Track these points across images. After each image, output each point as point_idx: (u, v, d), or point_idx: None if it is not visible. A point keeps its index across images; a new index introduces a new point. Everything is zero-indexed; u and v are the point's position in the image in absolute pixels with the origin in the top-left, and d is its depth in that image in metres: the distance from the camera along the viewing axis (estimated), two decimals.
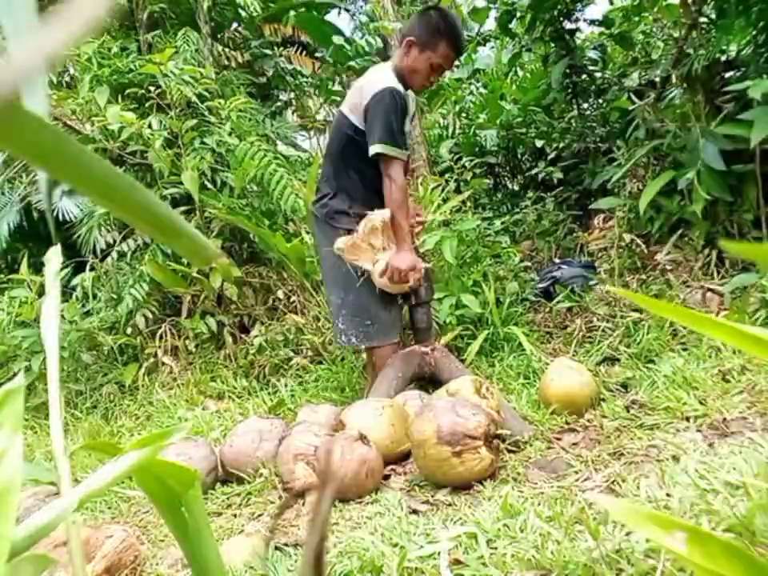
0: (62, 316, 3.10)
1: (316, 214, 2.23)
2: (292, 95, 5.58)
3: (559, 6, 3.72)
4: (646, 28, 4.04)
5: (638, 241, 2.75)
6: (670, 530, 0.55)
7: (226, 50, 4.84)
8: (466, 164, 3.36)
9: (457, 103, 5.60)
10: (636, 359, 2.17)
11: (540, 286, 3.11)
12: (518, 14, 4.02)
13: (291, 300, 3.16)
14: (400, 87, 2.01)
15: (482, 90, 5.96)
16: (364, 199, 2.11)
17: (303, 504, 1.62)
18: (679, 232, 2.74)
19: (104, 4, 0.18)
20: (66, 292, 3.32)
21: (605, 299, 2.64)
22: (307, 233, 3.06)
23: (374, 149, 1.96)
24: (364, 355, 2.60)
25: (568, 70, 3.91)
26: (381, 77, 2.05)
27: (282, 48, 5.60)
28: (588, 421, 1.80)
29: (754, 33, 2.53)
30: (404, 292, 2.14)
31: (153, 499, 0.54)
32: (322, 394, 2.52)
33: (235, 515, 1.65)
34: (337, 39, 4.88)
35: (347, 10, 6.21)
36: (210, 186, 3.23)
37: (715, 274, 2.54)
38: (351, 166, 2.11)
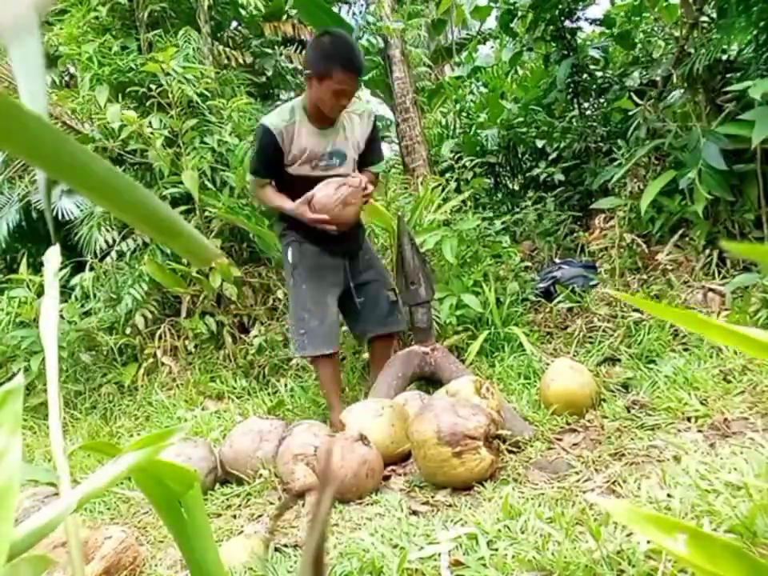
0: (61, 316, 3.09)
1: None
2: (292, 94, 5.57)
3: (560, 6, 3.72)
4: (646, 28, 4.04)
5: (639, 241, 2.75)
6: (671, 532, 0.54)
7: (227, 49, 4.83)
8: (467, 163, 3.35)
9: (457, 102, 5.60)
10: (637, 359, 2.16)
11: (540, 285, 3.11)
12: (519, 14, 4.02)
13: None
14: (274, 120, 2.09)
15: (482, 89, 5.96)
16: (280, 219, 2.26)
17: (303, 505, 1.61)
18: (680, 232, 2.73)
19: None
20: (65, 292, 3.32)
21: (605, 299, 2.64)
22: None
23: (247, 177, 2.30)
24: (365, 355, 2.60)
25: (569, 70, 3.91)
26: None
27: (282, 47, 5.59)
28: (589, 421, 1.80)
29: (755, 32, 2.53)
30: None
31: (152, 500, 0.54)
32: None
33: (235, 516, 1.64)
34: None
35: (347, 3, 6.18)
36: (210, 185, 3.22)
37: (716, 274, 2.53)
38: (280, 189, 2.24)
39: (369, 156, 2.25)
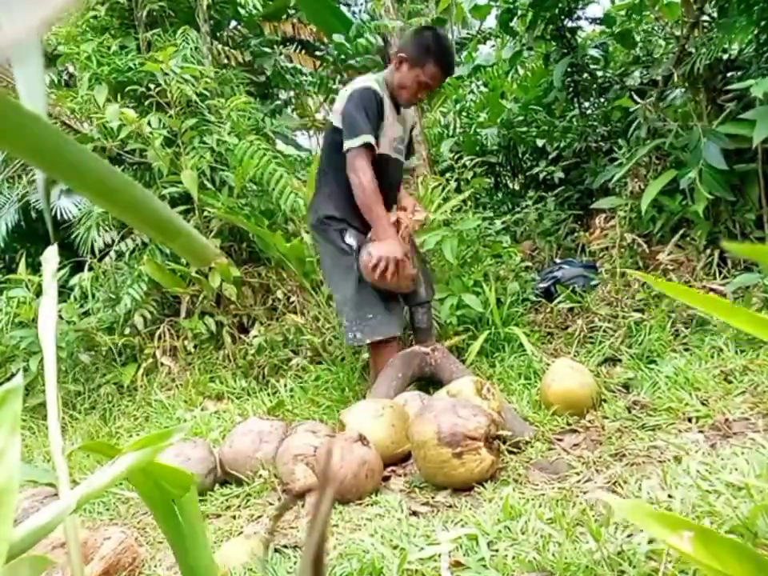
0: (60, 316, 3.09)
1: (311, 219, 2.30)
2: (292, 94, 5.57)
3: (560, 5, 3.72)
4: (647, 27, 4.04)
5: (640, 240, 2.74)
6: (676, 529, 0.54)
7: (226, 48, 4.83)
8: (467, 163, 3.34)
9: (457, 102, 5.59)
10: (637, 360, 2.16)
11: (541, 285, 3.10)
12: (519, 13, 4.01)
13: (291, 300, 3.15)
14: (377, 87, 2.09)
15: (482, 88, 5.96)
16: (348, 202, 2.14)
17: (303, 505, 1.61)
18: (681, 232, 2.73)
19: None
20: (64, 292, 3.31)
21: (606, 299, 2.63)
22: (306, 232, 3.04)
23: (345, 146, 2.04)
24: (365, 355, 2.59)
25: (569, 69, 3.90)
26: (359, 82, 2.15)
27: (281, 46, 5.59)
28: (589, 422, 1.80)
29: (755, 32, 2.52)
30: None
31: (148, 502, 0.53)
32: (322, 394, 2.51)
33: (234, 517, 1.64)
34: (337, 38, 4.86)
35: (348, 5, 6.19)
36: (209, 185, 3.22)
37: (717, 274, 2.53)
38: (336, 170, 2.15)
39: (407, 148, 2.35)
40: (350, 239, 2.17)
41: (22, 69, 0.35)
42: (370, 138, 2.02)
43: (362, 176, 2.01)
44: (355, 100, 2.05)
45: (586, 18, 4.01)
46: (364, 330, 2.14)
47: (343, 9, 5.98)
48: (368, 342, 2.18)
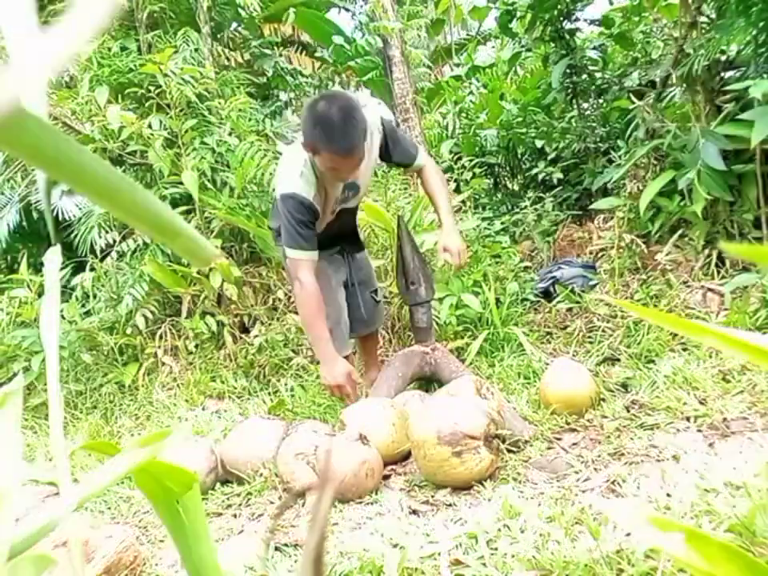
0: (62, 316, 3.09)
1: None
2: (292, 95, 5.58)
3: (559, 6, 3.72)
4: (645, 28, 4.04)
5: (638, 241, 2.75)
6: (668, 532, 0.55)
7: (226, 49, 4.84)
8: (466, 164, 3.35)
9: (457, 103, 5.60)
10: (636, 359, 2.16)
11: (540, 286, 3.11)
12: (518, 14, 4.02)
13: (291, 300, 3.15)
14: (303, 188, 1.91)
15: (482, 89, 5.96)
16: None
17: (303, 504, 1.62)
18: (679, 232, 2.73)
19: (105, 13, 0.18)
20: (66, 292, 3.32)
21: (605, 299, 2.64)
22: None
23: (286, 252, 1.97)
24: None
25: (568, 70, 3.91)
26: (285, 174, 1.98)
27: (281, 48, 5.60)
28: (588, 421, 1.80)
29: (754, 32, 2.52)
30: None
31: (151, 500, 0.54)
32: (322, 393, 2.51)
33: (235, 515, 1.65)
34: (337, 39, 4.87)
35: (347, 10, 6.20)
36: (209, 185, 3.22)
37: (715, 274, 2.54)
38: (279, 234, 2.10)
39: (397, 158, 2.13)
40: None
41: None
42: (312, 254, 1.95)
43: (304, 288, 1.92)
44: (288, 208, 1.93)
45: (585, 20, 4.01)
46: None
47: (343, 12, 6.00)
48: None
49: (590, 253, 3.27)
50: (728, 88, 2.49)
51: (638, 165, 2.83)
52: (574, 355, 2.39)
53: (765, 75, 2.38)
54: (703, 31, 2.71)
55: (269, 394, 2.68)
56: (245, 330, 3.17)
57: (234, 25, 5.08)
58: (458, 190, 3.45)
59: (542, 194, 4.01)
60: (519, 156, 4.99)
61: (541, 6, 3.64)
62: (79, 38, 0.18)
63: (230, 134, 3.26)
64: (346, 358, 2.14)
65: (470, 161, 3.39)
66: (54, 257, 0.58)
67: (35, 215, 4.48)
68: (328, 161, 1.83)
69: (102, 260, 3.33)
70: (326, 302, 2.03)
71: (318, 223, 2.03)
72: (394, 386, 2.05)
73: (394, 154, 2.11)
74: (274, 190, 2.18)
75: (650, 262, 2.75)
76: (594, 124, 4.12)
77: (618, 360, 2.25)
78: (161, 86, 3.11)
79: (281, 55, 5.23)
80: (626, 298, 2.53)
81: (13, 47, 0.29)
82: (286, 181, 1.96)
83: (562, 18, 3.84)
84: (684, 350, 2.14)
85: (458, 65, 7.67)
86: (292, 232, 1.93)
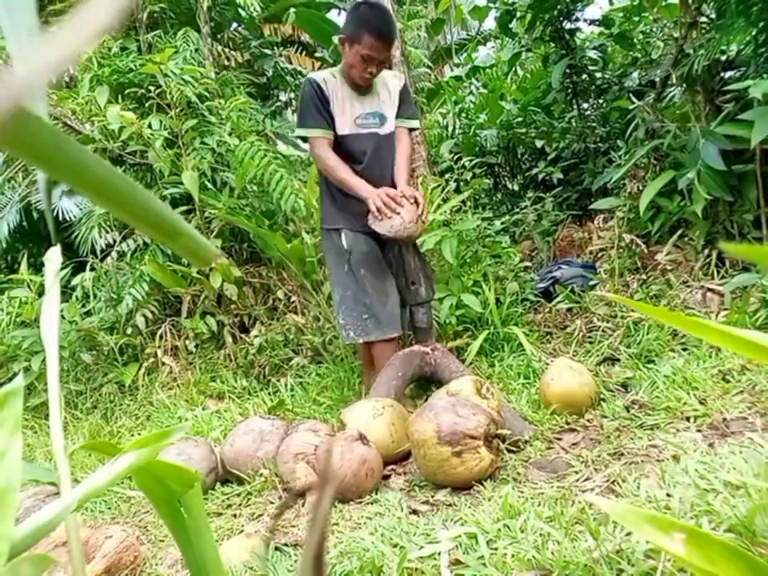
0: (62, 316, 3.10)
1: (320, 218, 2.38)
2: (292, 95, 5.58)
3: (559, 6, 3.72)
4: (645, 28, 4.04)
5: (638, 241, 2.75)
6: (669, 532, 0.55)
7: (226, 49, 4.85)
8: (466, 164, 3.35)
9: (457, 103, 5.60)
10: (636, 359, 2.16)
11: (540, 286, 3.11)
12: (518, 14, 4.02)
13: (291, 300, 3.16)
14: (321, 76, 2.16)
15: (482, 89, 5.96)
16: (342, 203, 2.20)
17: (303, 504, 1.62)
18: (679, 232, 2.73)
19: (109, 14, 0.18)
20: (66, 292, 3.32)
21: (605, 299, 2.64)
22: (307, 233, 3.05)
23: (296, 133, 2.20)
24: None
25: (568, 70, 3.91)
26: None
27: (281, 48, 5.60)
28: (588, 421, 1.80)
29: (754, 32, 2.53)
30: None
31: (152, 500, 0.54)
32: (323, 393, 2.52)
33: (235, 515, 1.65)
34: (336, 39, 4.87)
35: (346, 10, 6.20)
36: (210, 185, 3.23)
37: (715, 274, 2.54)
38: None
39: (401, 110, 2.31)
40: (344, 240, 2.19)
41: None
42: (314, 131, 2.13)
43: (324, 161, 2.12)
44: (300, 93, 2.22)
45: (585, 20, 4.02)
46: (358, 329, 2.17)
47: (343, 12, 5.99)
48: (361, 341, 2.20)
49: (590, 253, 3.27)
50: (728, 88, 2.49)
51: (638, 165, 2.83)
52: (573, 355, 2.39)
53: (765, 75, 2.38)
54: (703, 31, 2.71)
55: (269, 394, 2.68)
56: (245, 330, 3.17)
57: (234, 25, 5.09)
58: (458, 190, 3.44)
59: (542, 194, 4.01)
60: (519, 156, 4.99)
61: (541, 6, 3.65)
62: (82, 40, 0.18)
63: (230, 134, 3.26)
64: (394, 339, 2.17)
65: (470, 161, 3.39)
66: (54, 257, 0.58)
67: (35, 215, 4.48)
68: (366, 46, 2.05)
69: (102, 260, 3.33)
70: (376, 287, 2.16)
71: (339, 121, 2.15)
72: (393, 385, 2.05)
73: (401, 105, 2.30)
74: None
75: (650, 262, 2.75)
76: (593, 124, 4.12)
77: (618, 360, 2.25)
78: (161, 86, 3.11)
79: (281, 55, 5.23)
80: (626, 297, 2.53)
81: (14, 47, 0.29)
82: (312, 74, 2.22)
83: (561, 18, 3.85)
84: (684, 349, 2.14)
85: (458, 65, 7.66)
86: (300, 112, 2.19)
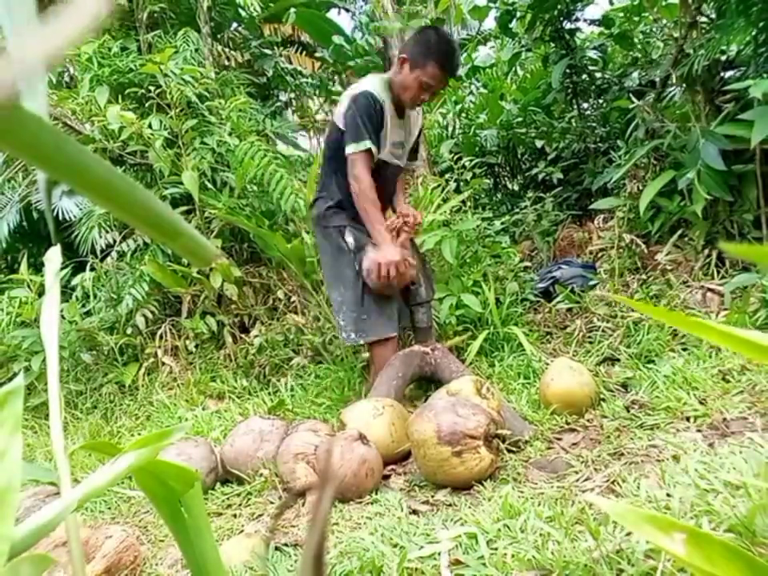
0: (62, 316, 3.10)
1: (312, 216, 2.32)
2: (292, 95, 5.58)
3: (559, 6, 3.72)
4: (645, 28, 4.04)
5: (638, 241, 2.75)
6: (669, 532, 0.55)
7: (226, 49, 4.85)
8: (466, 164, 3.35)
9: (457, 103, 5.60)
10: (636, 359, 2.16)
11: (540, 286, 3.11)
12: (518, 14, 4.02)
13: (291, 300, 3.16)
14: (378, 91, 2.08)
15: (482, 89, 5.96)
16: (348, 201, 2.17)
17: (303, 504, 1.62)
18: (679, 232, 2.74)
19: (104, 5, 0.18)
20: (66, 292, 3.32)
21: (605, 299, 2.64)
22: (307, 233, 3.05)
23: (347, 150, 2.06)
24: (365, 354, 2.60)
25: (568, 70, 3.91)
26: (362, 84, 2.15)
27: (281, 48, 5.60)
28: (588, 421, 1.80)
29: (754, 32, 2.53)
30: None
31: (152, 499, 0.54)
32: (323, 393, 2.52)
33: (235, 515, 1.65)
34: (337, 39, 4.87)
35: (347, 10, 6.21)
36: (210, 185, 3.23)
37: (715, 274, 2.54)
38: (338, 169, 2.17)
39: (415, 153, 2.35)
40: (349, 238, 2.18)
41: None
42: (370, 144, 2.04)
43: (360, 183, 2.04)
44: (357, 104, 2.06)
45: (585, 20, 4.02)
46: (358, 330, 2.16)
47: (343, 12, 6.00)
48: (362, 342, 2.20)
49: (590, 253, 3.28)
50: (728, 88, 2.49)
51: (638, 165, 2.83)
52: (573, 355, 2.39)
53: (765, 75, 2.38)
54: (703, 31, 2.71)
55: (269, 394, 2.68)
56: (245, 330, 3.17)
57: (234, 25, 5.09)
58: (458, 190, 3.45)
59: (541, 194, 4.01)
60: (519, 156, 4.99)
61: (541, 6, 3.65)
62: (72, 35, 0.18)
63: (230, 134, 3.26)
64: (393, 339, 2.17)
65: (470, 161, 3.39)
66: (54, 257, 0.58)
67: (35, 215, 4.48)
68: (428, 75, 2.02)
69: (102, 260, 3.33)
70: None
71: (381, 145, 2.12)
72: (394, 385, 2.05)
73: (418, 148, 2.37)
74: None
75: (650, 262, 2.75)
76: (593, 124, 4.12)
77: (618, 360, 2.25)
78: (161, 86, 3.11)
79: (281, 55, 5.23)
80: (626, 297, 2.53)
81: (13, 46, 0.29)
82: (364, 84, 2.12)
83: (561, 18, 3.85)
84: (684, 349, 2.14)
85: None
86: (357, 125, 2.04)
